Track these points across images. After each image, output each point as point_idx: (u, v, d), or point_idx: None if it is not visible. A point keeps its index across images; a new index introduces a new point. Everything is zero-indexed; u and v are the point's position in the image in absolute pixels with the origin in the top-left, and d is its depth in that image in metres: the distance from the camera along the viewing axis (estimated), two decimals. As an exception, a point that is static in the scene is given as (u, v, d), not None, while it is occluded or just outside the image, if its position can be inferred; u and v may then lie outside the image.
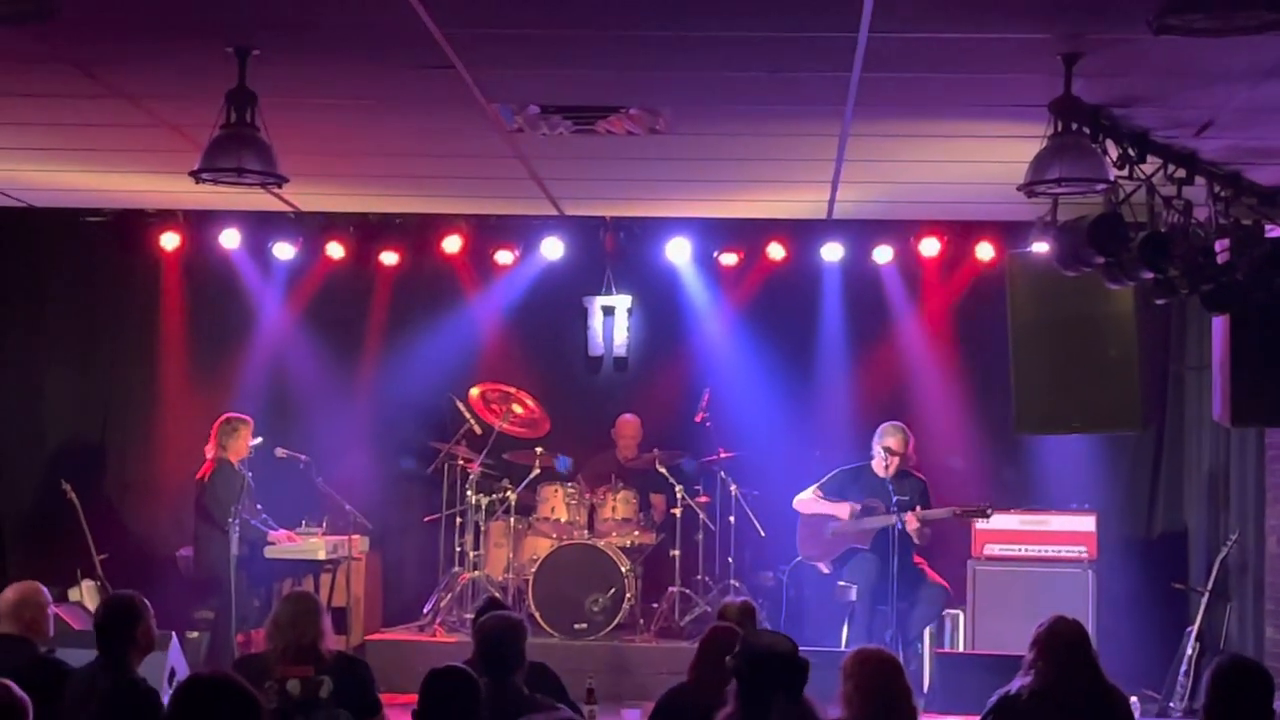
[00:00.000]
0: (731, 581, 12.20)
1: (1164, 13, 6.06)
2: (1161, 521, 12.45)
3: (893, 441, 11.25)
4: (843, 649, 10.65)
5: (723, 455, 12.32)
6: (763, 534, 12.26)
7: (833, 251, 12.64)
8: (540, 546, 12.26)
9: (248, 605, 11.08)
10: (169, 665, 9.95)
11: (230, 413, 11.52)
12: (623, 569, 11.89)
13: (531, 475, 12.41)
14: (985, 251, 12.30)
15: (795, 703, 5.26)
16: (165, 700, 7.72)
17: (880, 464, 11.28)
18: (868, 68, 7.25)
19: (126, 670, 6.75)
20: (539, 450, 12.45)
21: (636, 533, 12.44)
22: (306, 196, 11.32)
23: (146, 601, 7.01)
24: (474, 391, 12.65)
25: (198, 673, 4.90)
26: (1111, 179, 7.67)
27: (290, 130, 7.82)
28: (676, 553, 12.28)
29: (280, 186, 7.67)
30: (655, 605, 12.28)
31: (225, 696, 4.52)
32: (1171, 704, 10.75)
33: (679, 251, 12.81)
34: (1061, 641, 6.54)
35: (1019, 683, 6.55)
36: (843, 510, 11.32)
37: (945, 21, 6.60)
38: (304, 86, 7.86)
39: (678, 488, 12.29)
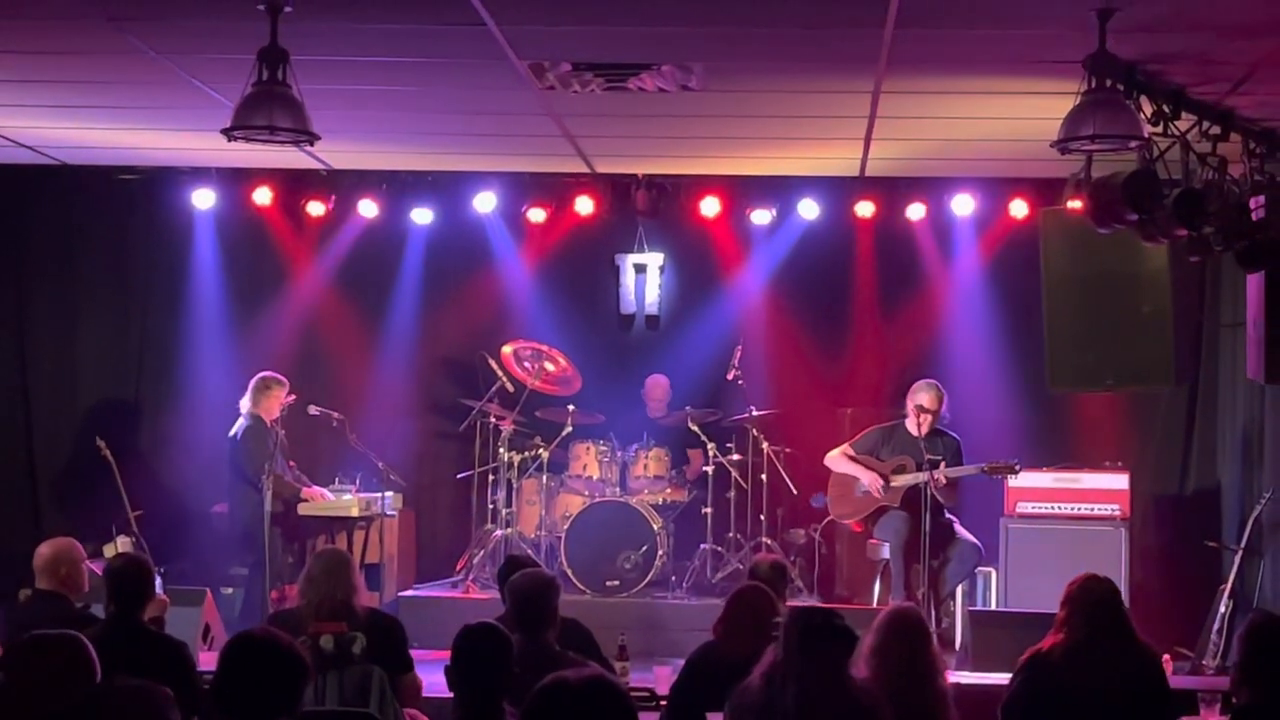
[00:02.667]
0: (763, 539, 12.22)
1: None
2: (1194, 479, 12.41)
3: (926, 400, 11.22)
4: (874, 606, 10.69)
5: (755, 413, 12.31)
6: (795, 492, 12.26)
7: (865, 209, 12.60)
8: (572, 504, 12.29)
9: (281, 561, 11.15)
10: (203, 621, 10.03)
11: (268, 371, 11.54)
12: (654, 526, 11.91)
13: (564, 433, 12.42)
14: (1019, 208, 12.25)
15: (829, 661, 5.26)
16: (199, 655, 7.80)
17: (914, 422, 11.26)
18: (900, 23, 7.22)
19: (138, 625, 6.77)
20: (571, 408, 12.47)
21: (668, 490, 12.47)
22: (338, 154, 11.33)
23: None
24: (506, 349, 12.66)
25: (246, 631, 4.94)
26: (1146, 135, 7.63)
27: (322, 88, 7.83)
28: (709, 510, 12.29)
29: (312, 144, 7.67)
30: (687, 563, 12.30)
31: (273, 655, 4.56)
32: (1205, 661, 10.72)
33: (711, 209, 12.78)
34: (1093, 599, 6.54)
35: (1050, 640, 6.56)
36: (869, 479, 11.30)
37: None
38: (335, 44, 7.87)
39: (709, 445, 12.30)
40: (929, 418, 11.19)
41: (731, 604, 6.88)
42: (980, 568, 11.40)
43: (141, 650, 6.49)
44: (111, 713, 4.43)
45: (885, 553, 11.24)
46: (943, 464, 11.02)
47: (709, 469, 12.29)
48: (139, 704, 4.40)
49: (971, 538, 11.23)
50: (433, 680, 7.58)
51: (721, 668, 6.06)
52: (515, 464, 12.37)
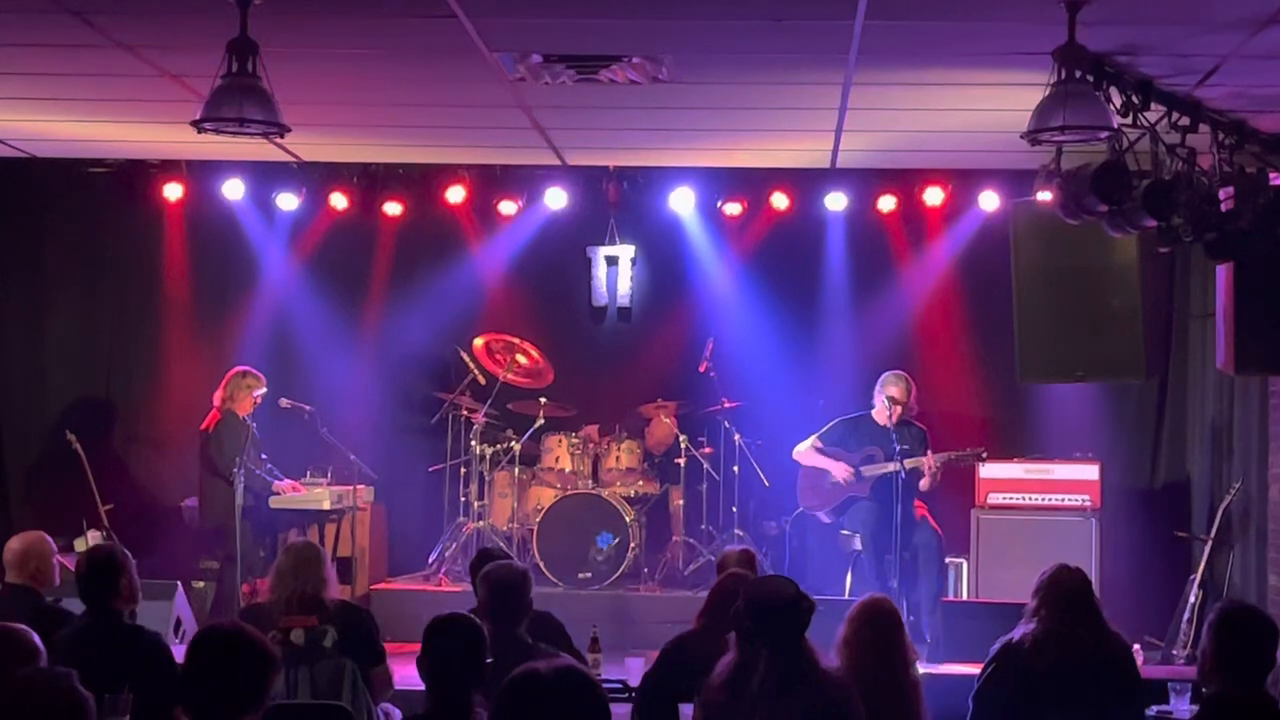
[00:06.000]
0: (735, 530, 12.23)
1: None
2: (1164, 470, 12.45)
3: (895, 390, 11.24)
4: (846, 597, 10.70)
5: (727, 405, 12.32)
6: (767, 484, 12.27)
7: (836, 201, 12.62)
8: (544, 496, 12.29)
9: (253, 555, 11.12)
10: (175, 615, 10.01)
11: (245, 366, 11.49)
12: (627, 518, 11.92)
13: (536, 425, 12.42)
14: (989, 200, 12.27)
15: (797, 648, 5.27)
16: (173, 650, 7.78)
17: (882, 413, 11.27)
18: (871, 15, 7.22)
19: (116, 619, 6.72)
20: (543, 400, 12.46)
21: (640, 482, 12.48)
22: (309, 146, 11.29)
23: (127, 553, 6.95)
24: (478, 342, 12.66)
25: (213, 624, 4.92)
26: (1115, 127, 7.65)
27: (292, 80, 7.80)
28: (681, 502, 12.31)
29: (282, 136, 7.65)
30: (659, 555, 12.31)
31: (240, 648, 4.55)
32: (1174, 651, 10.77)
33: (682, 201, 12.79)
34: (1064, 590, 6.56)
35: (1021, 630, 6.58)
36: (839, 470, 11.32)
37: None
38: (305, 36, 7.84)
39: (681, 438, 12.31)
40: (899, 409, 11.22)
41: (715, 593, 6.86)
42: (952, 558, 11.43)
43: (116, 647, 6.46)
44: (23, 703, 4.38)
45: (857, 544, 11.26)
46: (948, 455, 11.10)
47: (681, 461, 12.30)
48: (50, 694, 4.36)
49: (936, 527, 11.24)
50: (405, 673, 7.59)
51: (695, 658, 6.06)
52: (487, 457, 12.38)
